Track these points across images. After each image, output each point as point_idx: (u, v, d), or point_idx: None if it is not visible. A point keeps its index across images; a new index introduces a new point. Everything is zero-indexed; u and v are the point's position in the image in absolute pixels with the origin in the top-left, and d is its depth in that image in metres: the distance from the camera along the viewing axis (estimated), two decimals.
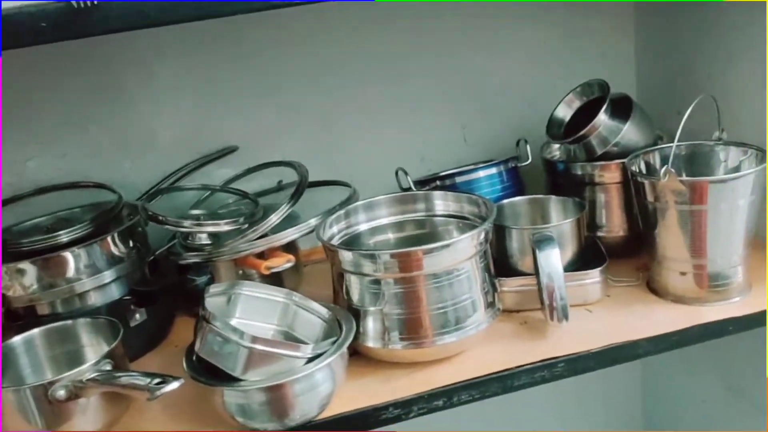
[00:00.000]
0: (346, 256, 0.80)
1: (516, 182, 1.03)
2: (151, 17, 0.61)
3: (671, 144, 0.87)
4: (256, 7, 0.63)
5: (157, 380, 0.66)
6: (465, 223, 0.89)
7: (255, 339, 0.69)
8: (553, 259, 0.83)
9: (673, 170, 0.81)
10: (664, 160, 0.89)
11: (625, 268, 0.97)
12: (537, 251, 0.83)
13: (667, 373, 1.33)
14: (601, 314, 0.89)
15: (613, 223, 1.00)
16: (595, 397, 1.41)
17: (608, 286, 0.93)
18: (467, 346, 0.83)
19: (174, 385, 0.65)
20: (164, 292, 0.94)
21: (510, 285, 0.90)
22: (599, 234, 1.00)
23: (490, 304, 0.84)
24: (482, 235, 0.81)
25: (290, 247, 0.97)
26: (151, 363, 0.91)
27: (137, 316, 0.90)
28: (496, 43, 1.16)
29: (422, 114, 1.17)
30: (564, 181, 1.01)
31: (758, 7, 0.91)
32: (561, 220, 0.95)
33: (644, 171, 0.92)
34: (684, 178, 0.82)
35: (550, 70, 1.18)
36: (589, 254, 0.94)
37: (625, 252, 0.99)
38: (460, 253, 0.80)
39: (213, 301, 0.79)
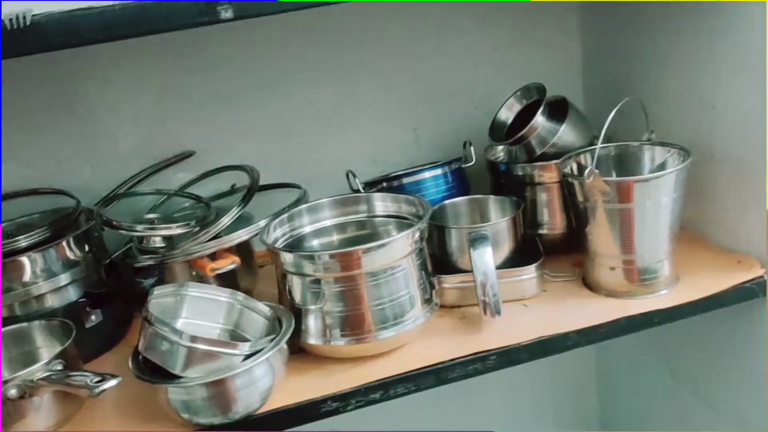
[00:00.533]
0: (288, 258, 0.84)
1: (461, 183, 1.07)
2: (84, 37, 0.65)
3: (602, 145, 0.91)
4: (188, 24, 0.67)
5: (97, 379, 0.69)
6: (403, 222, 0.93)
7: (193, 338, 0.73)
8: (487, 257, 0.87)
9: (597, 171, 0.85)
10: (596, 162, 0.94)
11: (564, 263, 1.01)
12: (471, 250, 0.88)
13: (620, 365, 1.38)
14: (537, 308, 0.93)
15: (554, 221, 1.04)
16: (550, 394, 1.46)
17: (545, 282, 0.97)
18: (406, 341, 0.87)
19: (112, 383, 0.69)
20: (119, 294, 0.97)
21: (450, 282, 0.94)
22: (541, 232, 1.04)
23: (427, 300, 0.88)
24: (417, 234, 0.85)
25: (244, 249, 1.00)
26: (108, 363, 0.94)
27: (93, 317, 0.94)
28: (446, 48, 1.20)
29: (375, 117, 1.21)
30: (506, 182, 1.06)
31: (692, 7, 0.95)
32: (499, 218, 0.99)
33: (576, 172, 0.96)
34: (608, 178, 0.87)
35: (499, 73, 1.22)
36: (528, 251, 0.98)
37: (565, 248, 1.03)
38: (397, 251, 0.84)
39: (161, 302, 0.83)
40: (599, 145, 0.87)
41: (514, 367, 1.36)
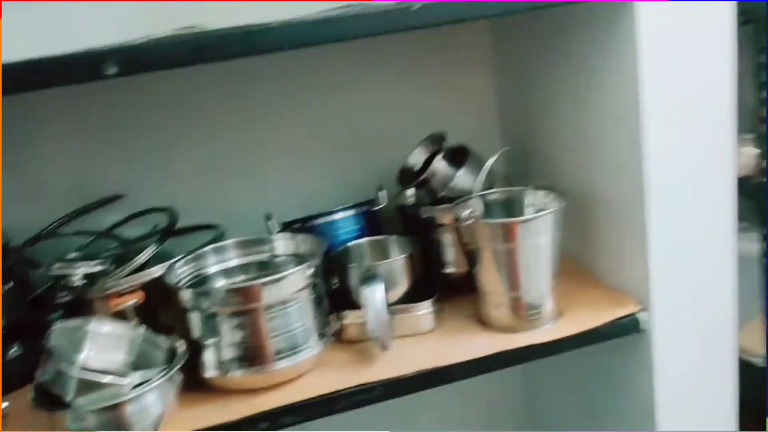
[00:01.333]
0: (185, 295, 0.90)
1: (372, 225, 1.13)
2: None
3: (489, 191, 0.98)
4: (76, 79, 0.74)
5: None
6: (302, 261, 0.99)
7: (82, 369, 0.78)
8: (377, 294, 0.93)
9: (477, 215, 0.92)
10: (486, 206, 1.01)
11: (466, 301, 1.06)
12: (363, 287, 0.94)
13: (545, 397, 1.42)
14: (429, 343, 0.98)
15: (458, 260, 1.10)
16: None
17: (442, 318, 1.03)
18: (301, 371, 0.93)
19: None
20: (41, 329, 1.03)
21: (351, 317, 1.00)
22: (447, 271, 1.10)
23: (322, 333, 0.94)
24: (310, 270, 0.91)
25: (166, 287, 1.06)
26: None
27: (14, 348, 0.99)
28: (367, 98, 1.27)
29: (301, 162, 1.27)
30: (414, 224, 1.12)
31: (573, 60, 1.02)
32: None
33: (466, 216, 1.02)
34: (486, 220, 0.93)
35: (418, 121, 1.27)
36: (430, 288, 1.04)
37: (470, 287, 1.08)
38: (291, 285, 0.90)
39: (68, 336, 0.89)
40: (476, 192, 0.93)
41: (448, 398, 1.39)
